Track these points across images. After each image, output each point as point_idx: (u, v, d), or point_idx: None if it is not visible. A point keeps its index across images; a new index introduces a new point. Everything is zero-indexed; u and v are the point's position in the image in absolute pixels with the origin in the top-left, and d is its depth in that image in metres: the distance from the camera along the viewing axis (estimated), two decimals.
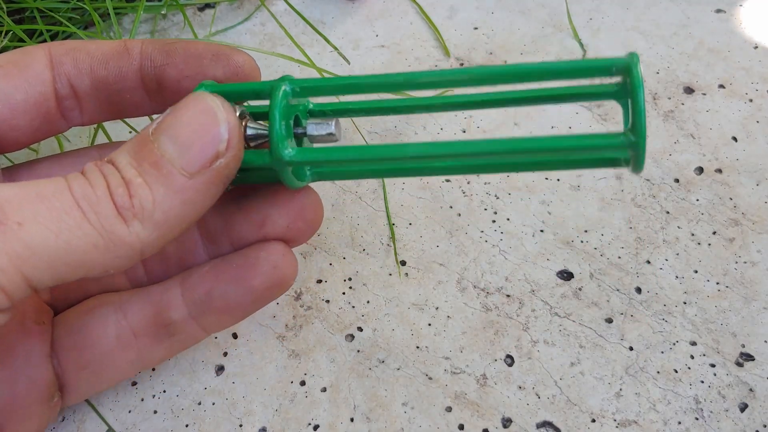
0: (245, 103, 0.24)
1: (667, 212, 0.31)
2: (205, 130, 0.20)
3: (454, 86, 0.23)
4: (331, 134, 0.23)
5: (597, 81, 0.21)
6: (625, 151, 0.20)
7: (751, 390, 0.26)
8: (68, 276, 0.19)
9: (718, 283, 0.28)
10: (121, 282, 0.25)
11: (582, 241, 0.30)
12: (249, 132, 0.22)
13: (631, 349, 0.27)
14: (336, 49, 0.34)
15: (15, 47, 0.36)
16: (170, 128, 0.20)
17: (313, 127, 0.23)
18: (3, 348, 0.23)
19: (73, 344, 0.23)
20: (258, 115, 0.23)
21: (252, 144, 0.23)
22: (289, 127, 0.22)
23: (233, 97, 0.23)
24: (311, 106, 0.24)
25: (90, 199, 0.19)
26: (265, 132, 0.22)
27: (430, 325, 0.28)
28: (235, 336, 0.28)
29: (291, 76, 0.23)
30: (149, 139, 0.20)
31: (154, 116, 0.26)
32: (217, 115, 0.20)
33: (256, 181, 0.24)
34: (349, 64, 0.36)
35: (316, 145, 0.24)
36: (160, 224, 0.19)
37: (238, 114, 0.22)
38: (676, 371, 0.26)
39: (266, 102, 0.22)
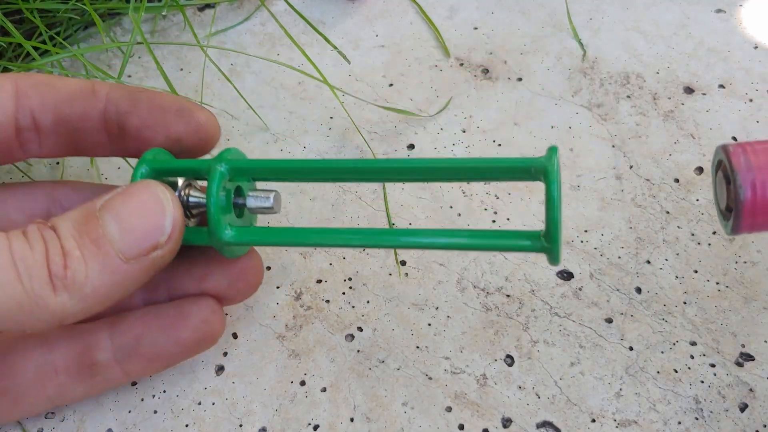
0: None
1: (667, 212, 0.31)
2: (150, 220, 0.21)
3: (388, 179, 0.25)
4: (269, 208, 0.24)
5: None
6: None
7: (751, 390, 0.26)
8: None
9: (718, 283, 0.28)
10: None
11: (582, 241, 0.30)
12: (192, 200, 0.23)
13: (631, 349, 0.27)
14: (336, 48, 0.34)
15: (9, 43, 0.36)
16: (117, 209, 0.21)
17: (253, 201, 0.24)
18: None
19: None
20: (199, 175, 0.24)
21: (194, 212, 0.24)
22: (228, 203, 0.23)
23: (172, 173, 0.23)
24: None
25: (27, 261, 0.19)
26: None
27: (430, 325, 0.28)
28: (235, 336, 0.28)
29: (234, 149, 0.23)
30: (95, 215, 0.20)
31: (114, 158, 0.27)
32: (165, 208, 0.21)
33: (193, 243, 0.25)
34: (349, 63, 0.37)
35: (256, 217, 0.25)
36: (87, 298, 0.20)
37: (181, 183, 0.23)
38: (676, 371, 0.26)
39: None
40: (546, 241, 0.20)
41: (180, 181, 0.24)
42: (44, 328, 0.20)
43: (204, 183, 0.24)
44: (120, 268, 0.20)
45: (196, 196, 0.24)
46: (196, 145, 0.25)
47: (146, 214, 0.21)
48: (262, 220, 0.29)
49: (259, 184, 0.25)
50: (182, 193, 0.23)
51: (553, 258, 0.20)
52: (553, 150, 0.20)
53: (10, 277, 0.19)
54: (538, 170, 0.20)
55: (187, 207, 0.24)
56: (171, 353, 0.24)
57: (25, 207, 0.25)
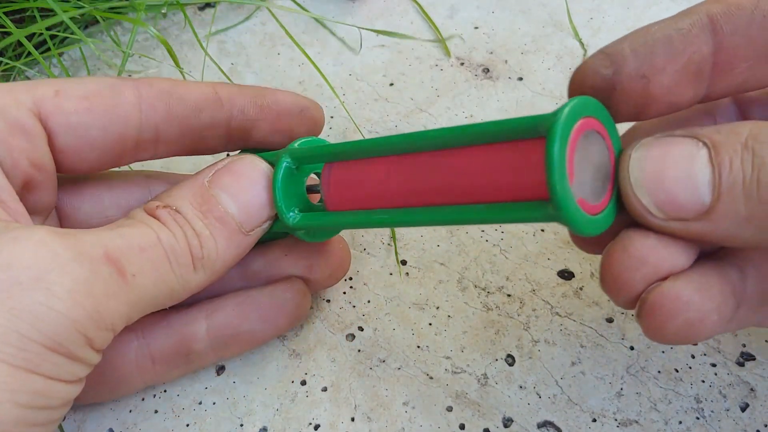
0: None
1: None
2: (262, 196, 0.23)
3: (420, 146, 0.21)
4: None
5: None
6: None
7: (752, 389, 0.26)
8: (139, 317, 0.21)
9: None
10: None
11: None
12: None
13: (632, 348, 0.27)
14: (341, 41, 0.34)
15: (10, 43, 0.36)
16: (230, 188, 0.23)
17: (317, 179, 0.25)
18: None
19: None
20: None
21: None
22: (298, 194, 0.24)
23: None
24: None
25: (175, 251, 0.21)
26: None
27: (430, 324, 0.28)
28: None
29: (300, 140, 0.25)
30: (209, 193, 0.23)
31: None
32: (270, 184, 0.23)
33: (276, 238, 0.27)
34: (357, 54, 0.36)
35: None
36: (217, 272, 0.22)
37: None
38: (677, 371, 0.26)
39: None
40: (554, 209, 0.17)
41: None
42: (177, 302, 0.22)
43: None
44: (243, 241, 0.23)
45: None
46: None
47: (258, 190, 0.23)
48: None
49: None
50: None
51: (570, 225, 0.17)
52: (570, 102, 0.17)
53: (166, 269, 0.21)
54: (544, 127, 0.17)
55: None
56: (266, 337, 0.27)
57: (122, 203, 0.26)
